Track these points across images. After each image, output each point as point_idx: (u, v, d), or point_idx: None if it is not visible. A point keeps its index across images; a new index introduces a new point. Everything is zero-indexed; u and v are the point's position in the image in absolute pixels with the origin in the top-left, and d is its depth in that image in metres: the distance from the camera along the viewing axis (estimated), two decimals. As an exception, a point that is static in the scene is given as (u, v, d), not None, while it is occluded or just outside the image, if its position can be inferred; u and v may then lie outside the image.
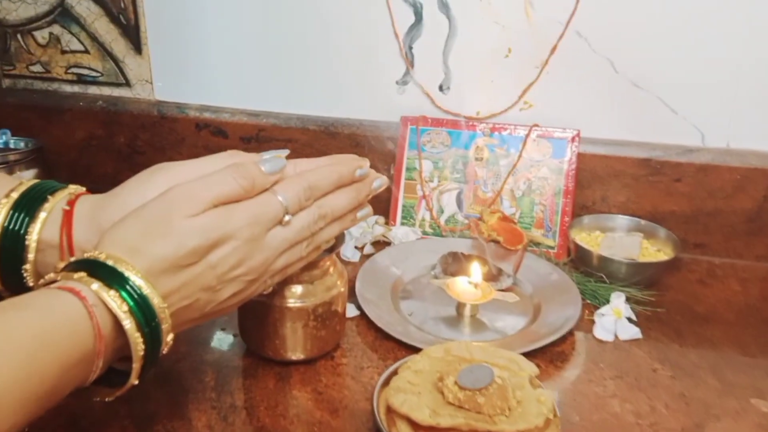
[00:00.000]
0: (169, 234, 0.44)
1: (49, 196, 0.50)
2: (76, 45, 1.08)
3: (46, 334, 0.38)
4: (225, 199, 0.47)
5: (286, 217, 0.50)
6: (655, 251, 0.86)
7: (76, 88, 1.11)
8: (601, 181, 0.93)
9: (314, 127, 1.02)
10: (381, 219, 0.96)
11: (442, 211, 0.95)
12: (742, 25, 0.85)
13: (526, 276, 0.82)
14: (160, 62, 1.06)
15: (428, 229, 0.95)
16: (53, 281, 0.43)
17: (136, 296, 0.42)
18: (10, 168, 0.95)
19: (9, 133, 1.01)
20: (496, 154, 0.94)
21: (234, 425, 0.57)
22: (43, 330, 0.38)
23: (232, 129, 1.05)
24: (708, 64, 0.88)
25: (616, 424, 0.59)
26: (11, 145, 1.01)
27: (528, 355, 0.61)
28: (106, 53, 1.07)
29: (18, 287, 0.50)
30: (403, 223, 0.96)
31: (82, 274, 0.42)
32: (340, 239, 0.62)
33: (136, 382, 0.44)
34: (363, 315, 0.73)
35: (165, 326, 0.44)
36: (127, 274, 0.42)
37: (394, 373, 0.57)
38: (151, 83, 1.08)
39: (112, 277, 0.42)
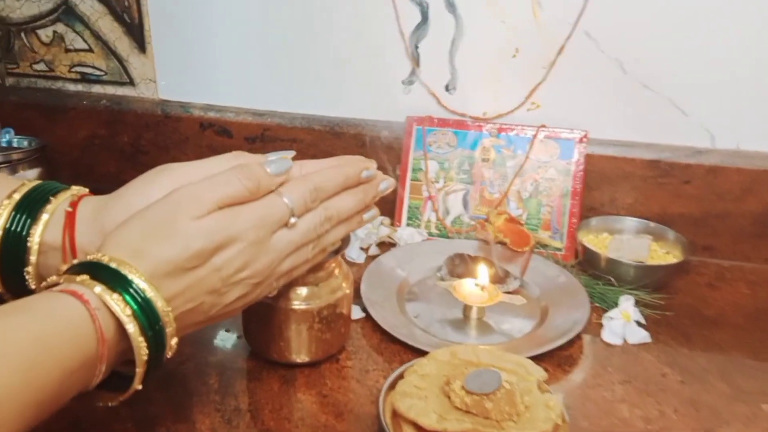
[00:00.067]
0: (173, 236, 0.44)
1: (51, 198, 0.50)
2: (80, 43, 1.08)
3: (47, 338, 0.38)
4: (230, 200, 0.47)
5: (292, 219, 0.49)
6: (664, 254, 0.85)
7: (79, 87, 1.11)
8: (609, 182, 0.93)
9: (319, 127, 1.01)
10: (386, 220, 0.95)
11: (448, 213, 0.94)
12: (753, 25, 0.84)
13: (533, 278, 0.81)
14: (164, 61, 1.06)
15: (434, 231, 0.94)
16: (55, 284, 0.42)
17: (139, 299, 0.42)
18: (13, 167, 0.95)
19: (12, 131, 1.01)
20: (502, 154, 0.93)
21: (238, 428, 0.56)
22: (44, 334, 0.38)
23: (236, 128, 1.04)
24: (718, 65, 0.87)
25: (625, 429, 0.58)
26: (14, 144, 1.01)
27: (535, 358, 0.61)
28: (110, 52, 1.07)
29: (20, 290, 0.49)
30: (408, 224, 0.95)
31: (85, 276, 0.41)
32: (345, 241, 0.62)
33: (140, 387, 0.43)
34: (368, 317, 0.73)
35: (169, 330, 0.44)
36: (130, 276, 0.42)
37: (400, 376, 0.56)
38: (155, 82, 1.07)
39: (116, 280, 0.41)
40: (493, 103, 0.95)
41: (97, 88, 1.10)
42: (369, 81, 0.99)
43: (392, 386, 0.56)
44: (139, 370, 0.42)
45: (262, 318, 0.62)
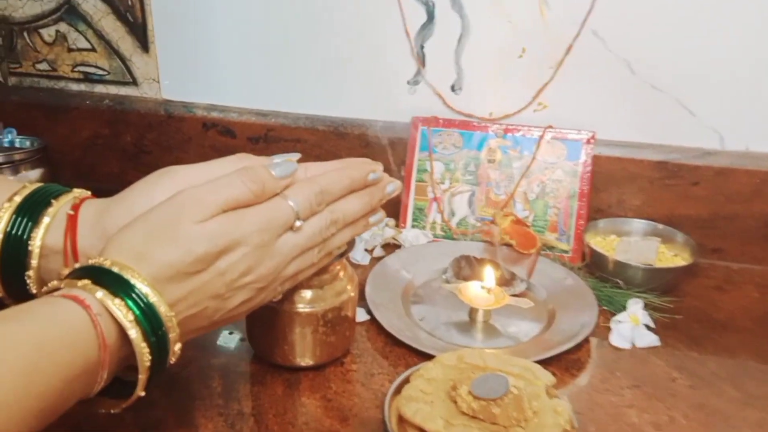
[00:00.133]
0: (176, 240, 0.43)
1: (52, 200, 0.49)
2: (82, 43, 1.07)
3: (47, 344, 0.37)
4: (234, 203, 0.46)
5: (297, 223, 0.49)
6: (672, 256, 0.85)
7: (82, 87, 1.11)
8: (616, 184, 0.92)
9: (323, 127, 1.00)
10: (391, 221, 0.94)
11: (453, 214, 0.94)
12: (763, 25, 0.83)
13: (540, 281, 0.80)
14: (167, 61, 1.05)
15: (439, 232, 0.93)
16: (56, 289, 0.41)
17: (142, 304, 0.41)
18: (15, 167, 0.94)
19: (14, 131, 1.01)
20: (509, 155, 0.93)
21: (242, 433, 0.56)
22: (44, 340, 0.37)
23: (239, 129, 1.03)
24: (727, 65, 0.86)
25: (635, 435, 0.58)
26: (17, 144, 1.01)
27: (542, 362, 0.60)
28: (113, 51, 1.06)
29: (21, 294, 0.49)
30: (413, 226, 0.94)
31: (87, 281, 0.41)
32: (350, 244, 0.61)
33: (143, 393, 0.43)
34: (373, 320, 0.72)
35: (172, 335, 0.43)
36: (133, 281, 0.41)
37: (406, 380, 0.56)
38: (158, 82, 1.07)
39: (118, 285, 0.41)
40: (500, 104, 0.95)
41: (99, 88, 1.10)
42: (374, 81, 0.99)
43: (398, 390, 0.55)
44: (142, 377, 0.42)
45: (266, 321, 0.62)
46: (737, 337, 0.74)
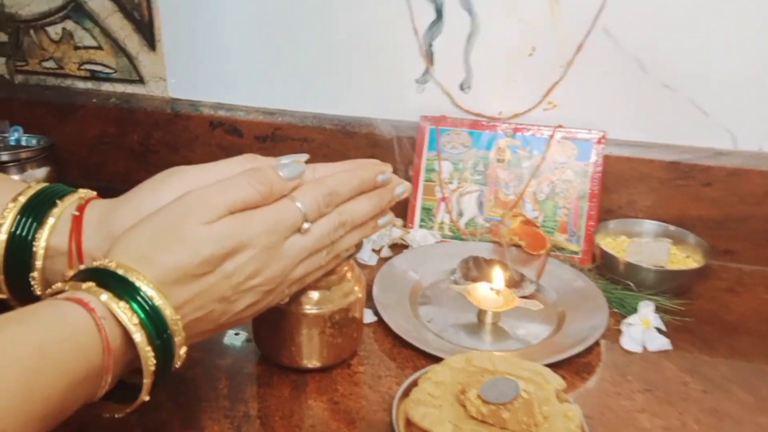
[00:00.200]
0: (182, 241, 0.43)
1: (57, 201, 0.49)
2: (89, 41, 1.07)
3: (51, 348, 0.36)
4: (242, 205, 0.45)
5: (305, 225, 0.48)
6: (684, 258, 0.83)
7: (89, 85, 1.10)
8: (627, 184, 0.91)
9: (331, 126, 1.00)
10: (399, 221, 0.93)
11: (461, 214, 0.93)
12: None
13: (550, 282, 0.80)
14: (174, 59, 1.05)
15: (447, 233, 0.93)
16: (60, 291, 0.41)
17: (147, 308, 0.40)
18: (21, 165, 0.94)
19: (21, 130, 1.00)
20: (518, 155, 0.92)
21: (248, 436, 0.55)
22: (47, 344, 0.36)
23: (246, 128, 1.03)
24: (740, 64, 0.85)
25: (646, 441, 0.57)
26: (23, 143, 1.01)
27: (552, 365, 0.59)
28: (120, 49, 1.06)
29: (25, 295, 0.48)
30: (421, 226, 0.93)
31: (91, 284, 0.40)
32: (358, 246, 0.60)
33: (147, 398, 0.42)
34: (380, 321, 0.71)
35: (177, 339, 0.42)
36: (138, 284, 0.40)
37: (414, 383, 0.55)
38: (165, 80, 1.06)
39: (123, 288, 0.40)
40: (509, 103, 0.94)
41: (106, 86, 1.10)
42: (382, 80, 0.98)
43: (406, 393, 0.55)
44: (147, 381, 0.41)
45: (272, 322, 0.61)
46: (749, 339, 0.73)
